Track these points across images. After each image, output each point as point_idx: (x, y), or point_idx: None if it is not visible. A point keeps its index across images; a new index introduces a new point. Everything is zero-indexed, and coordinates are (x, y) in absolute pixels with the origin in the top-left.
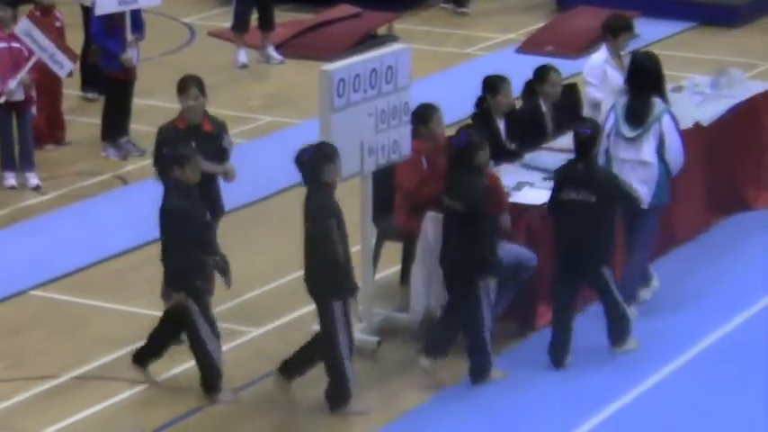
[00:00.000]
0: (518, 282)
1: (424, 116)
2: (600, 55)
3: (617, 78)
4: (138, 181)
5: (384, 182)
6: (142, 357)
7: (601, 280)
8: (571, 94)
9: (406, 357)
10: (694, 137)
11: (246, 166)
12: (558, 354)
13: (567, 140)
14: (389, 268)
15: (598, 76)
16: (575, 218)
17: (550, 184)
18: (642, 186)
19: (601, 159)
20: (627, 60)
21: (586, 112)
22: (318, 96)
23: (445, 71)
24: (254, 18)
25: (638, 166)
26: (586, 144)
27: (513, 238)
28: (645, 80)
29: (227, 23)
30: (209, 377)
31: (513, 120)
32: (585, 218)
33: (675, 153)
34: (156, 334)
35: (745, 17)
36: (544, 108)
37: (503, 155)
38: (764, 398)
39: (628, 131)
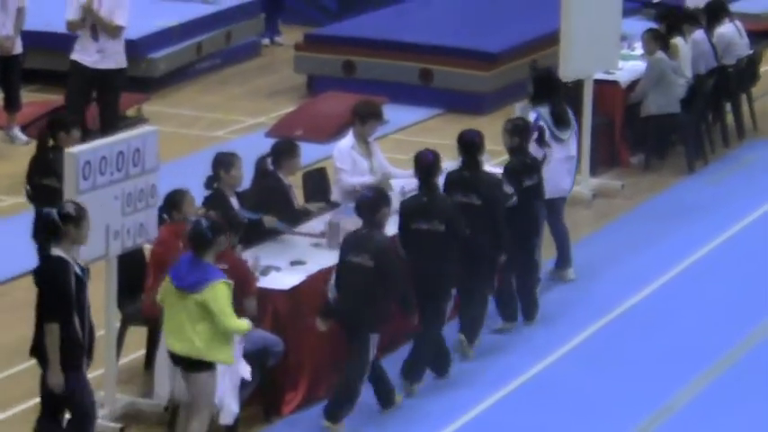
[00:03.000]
0: (264, 367)
1: (174, 201)
2: (347, 141)
3: (364, 165)
4: None
5: (130, 266)
6: (340, 413)
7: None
8: (320, 177)
9: None
10: None
11: None
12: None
13: (316, 224)
14: (134, 353)
15: (347, 161)
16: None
17: (298, 268)
18: (568, 177)
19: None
20: (375, 147)
21: (336, 197)
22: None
23: (195, 154)
24: None
25: (565, 162)
26: (475, 148)
27: (259, 323)
28: (556, 89)
29: None
30: (346, 407)
31: (248, 197)
32: (477, 219)
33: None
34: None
35: (490, 105)
36: (286, 182)
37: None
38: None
39: (561, 134)
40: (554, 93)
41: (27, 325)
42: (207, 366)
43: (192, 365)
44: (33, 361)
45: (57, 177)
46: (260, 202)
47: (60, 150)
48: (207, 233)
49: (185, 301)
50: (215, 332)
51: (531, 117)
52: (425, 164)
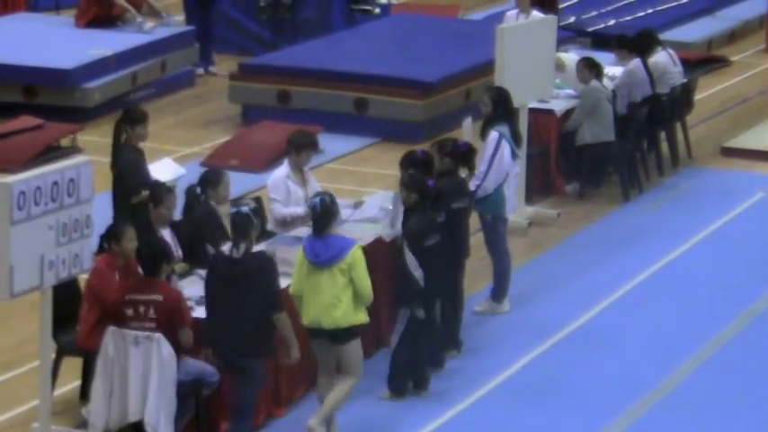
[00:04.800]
0: (199, 397)
1: (114, 234)
2: (282, 170)
3: (299, 194)
4: None
5: (64, 297)
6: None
7: None
8: (257, 207)
9: None
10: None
11: None
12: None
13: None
14: (69, 384)
15: (281, 192)
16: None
17: None
18: (514, 193)
19: (497, 178)
20: (309, 176)
21: (272, 227)
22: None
23: None
24: None
25: (514, 179)
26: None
27: (194, 353)
28: (513, 108)
29: None
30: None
31: (182, 228)
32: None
33: None
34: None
35: (425, 134)
36: (219, 211)
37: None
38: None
39: (518, 152)
40: (512, 112)
41: None
42: (354, 334)
43: (342, 337)
44: None
45: (117, 168)
46: (193, 231)
47: (126, 143)
48: (332, 208)
49: (329, 273)
50: (356, 297)
51: (493, 136)
52: (462, 150)
